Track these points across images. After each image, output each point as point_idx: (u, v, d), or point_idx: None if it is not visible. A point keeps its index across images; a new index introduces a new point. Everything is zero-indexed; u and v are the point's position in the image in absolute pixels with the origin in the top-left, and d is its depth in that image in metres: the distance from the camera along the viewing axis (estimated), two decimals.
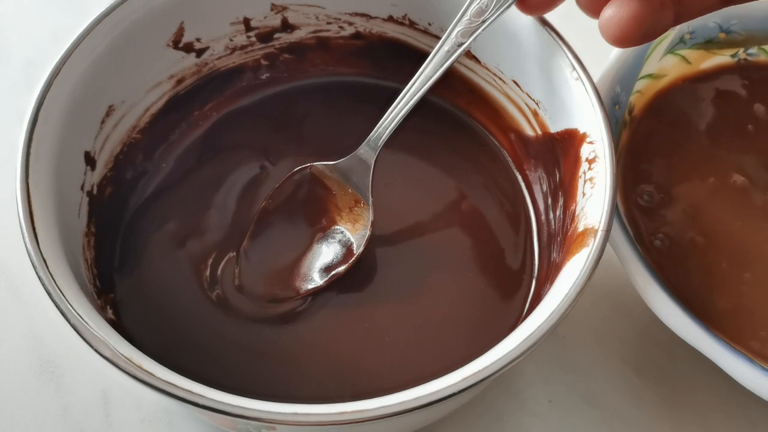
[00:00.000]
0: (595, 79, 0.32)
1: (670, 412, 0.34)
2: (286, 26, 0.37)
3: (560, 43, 0.31)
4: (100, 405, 0.33)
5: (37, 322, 0.35)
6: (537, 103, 0.34)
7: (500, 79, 0.35)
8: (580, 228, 0.28)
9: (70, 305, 0.24)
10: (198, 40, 0.35)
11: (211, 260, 0.33)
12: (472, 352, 0.25)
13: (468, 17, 0.31)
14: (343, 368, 0.31)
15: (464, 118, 0.38)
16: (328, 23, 0.37)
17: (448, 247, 0.34)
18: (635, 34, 0.26)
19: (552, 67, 0.31)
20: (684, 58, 0.38)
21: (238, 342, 0.31)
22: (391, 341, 0.31)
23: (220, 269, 0.33)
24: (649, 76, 0.37)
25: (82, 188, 0.31)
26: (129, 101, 0.34)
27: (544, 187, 0.34)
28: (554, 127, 0.33)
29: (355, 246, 0.33)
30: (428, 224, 0.35)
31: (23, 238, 0.26)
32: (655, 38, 0.28)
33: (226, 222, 0.34)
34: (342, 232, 0.34)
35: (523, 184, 0.36)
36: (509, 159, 0.37)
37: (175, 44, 0.35)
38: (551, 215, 0.33)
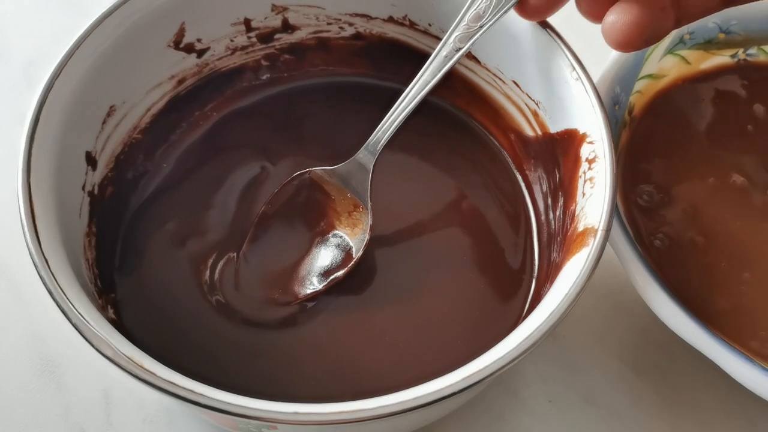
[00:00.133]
0: (595, 80, 0.32)
1: (670, 411, 0.34)
2: (287, 27, 0.37)
3: (560, 43, 0.31)
4: (101, 404, 0.33)
5: (38, 322, 0.35)
6: (537, 104, 0.34)
7: (500, 79, 0.35)
8: (580, 228, 0.28)
9: (72, 305, 0.24)
10: (199, 40, 0.36)
11: (211, 260, 0.33)
12: (473, 351, 0.25)
13: (466, 22, 0.31)
14: (343, 368, 0.31)
15: (464, 119, 0.38)
16: (329, 24, 0.37)
17: (448, 247, 0.34)
18: (638, 39, 0.27)
19: (552, 67, 0.31)
20: (684, 58, 0.38)
21: (239, 342, 0.31)
22: (391, 341, 0.31)
23: (220, 270, 0.33)
24: (649, 76, 0.37)
25: (83, 188, 0.31)
26: (130, 101, 0.34)
27: (544, 187, 0.34)
28: (554, 128, 0.33)
29: (354, 250, 0.33)
30: (428, 224, 0.35)
31: (25, 237, 0.26)
32: (657, 42, 0.28)
33: (227, 222, 0.34)
34: (341, 237, 0.34)
35: (523, 184, 0.36)
36: (509, 159, 0.37)
37: (176, 45, 0.35)
38: (551, 215, 0.33)
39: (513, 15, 0.31)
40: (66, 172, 0.29)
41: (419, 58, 0.36)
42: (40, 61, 0.45)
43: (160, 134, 0.36)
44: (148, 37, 0.33)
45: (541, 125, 0.34)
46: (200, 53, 0.36)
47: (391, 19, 0.37)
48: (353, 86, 0.39)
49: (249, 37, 0.37)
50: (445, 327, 0.32)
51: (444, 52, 0.31)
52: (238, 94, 0.38)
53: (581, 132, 0.30)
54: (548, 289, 0.28)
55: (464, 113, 0.38)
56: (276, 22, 0.37)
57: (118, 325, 0.31)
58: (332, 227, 0.34)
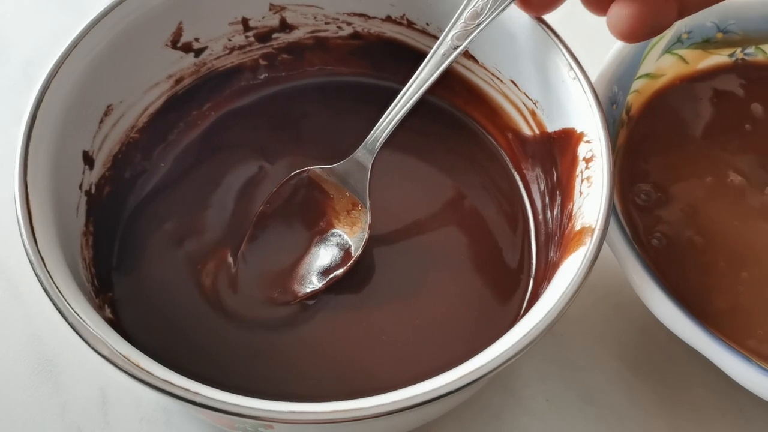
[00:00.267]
0: (593, 79, 0.32)
1: (667, 409, 0.34)
2: (285, 26, 0.37)
3: (558, 42, 0.31)
4: (99, 403, 0.33)
5: (36, 321, 0.35)
6: (535, 103, 0.34)
7: (498, 78, 0.35)
8: (577, 227, 0.28)
9: (68, 304, 0.24)
10: (196, 39, 0.36)
11: (209, 260, 0.33)
12: (470, 350, 0.25)
13: (463, 20, 0.31)
14: (340, 367, 0.31)
15: (462, 118, 0.38)
16: (327, 23, 0.37)
17: (445, 246, 0.34)
18: (642, 30, 0.27)
19: (549, 66, 0.31)
20: (681, 57, 0.38)
21: (236, 341, 0.31)
22: (389, 340, 0.31)
23: (218, 269, 0.33)
24: (647, 75, 0.37)
25: (80, 187, 0.31)
26: (127, 101, 0.34)
27: (542, 186, 0.34)
28: (552, 127, 0.33)
29: (353, 249, 0.33)
30: (426, 224, 0.35)
31: (21, 236, 0.26)
32: (662, 32, 0.28)
33: (224, 222, 0.34)
34: (340, 235, 0.34)
35: (520, 184, 0.36)
36: (507, 158, 0.37)
37: (174, 44, 0.35)
38: (549, 214, 0.33)
39: (511, 14, 0.31)
40: (63, 172, 0.30)
41: (417, 57, 0.36)
42: (40, 61, 0.45)
43: (157, 134, 0.36)
44: (146, 36, 0.33)
45: (539, 124, 0.34)
46: (198, 53, 0.36)
47: (389, 19, 0.37)
48: (351, 86, 0.39)
49: (247, 37, 0.37)
50: (443, 326, 0.32)
51: (441, 50, 0.31)
52: (236, 94, 0.38)
53: (578, 131, 0.30)
54: (545, 288, 0.28)
55: (462, 112, 0.38)
56: (274, 21, 0.37)
57: (116, 324, 0.31)
58: (331, 226, 0.34)
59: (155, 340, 0.31)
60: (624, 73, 0.36)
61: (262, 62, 0.38)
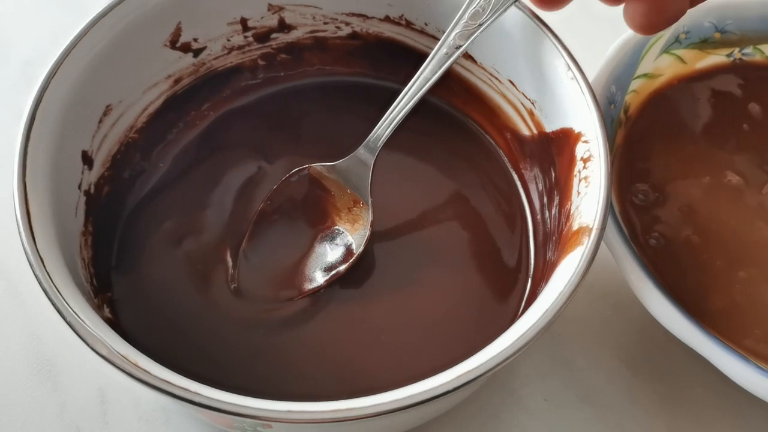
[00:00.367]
0: (591, 79, 0.32)
1: (666, 408, 0.34)
2: (283, 26, 0.37)
3: (556, 42, 0.31)
4: (97, 403, 0.33)
5: (35, 321, 0.36)
6: (533, 103, 0.34)
7: (496, 78, 0.36)
8: (575, 227, 0.29)
9: (67, 303, 0.24)
10: (195, 40, 0.36)
11: (208, 259, 0.33)
12: (468, 350, 0.25)
13: (465, 20, 0.31)
14: (339, 367, 0.31)
15: (460, 118, 0.38)
16: (325, 23, 0.37)
17: (444, 246, 0.34)
18: (658, 20, 0.28)
19: (547, 66, 0.31)
20: (679, 57, 0.38)
21: (235, 341, 0.31)
22: (387, 340, 0.31)
23: (217, 269, 0.33)
24: (645, 75, 0.37)
25: (79, 187, 0.31)
26: (126, 101, 0.34)
27: (540, 186, 0.34)
28: (550, 127, 0.33)
29: (354, 246, 0.33)
30: (424, 224, 0.35)
31: (20, 236, 0.26)
32: (675, 22, 0.29)
33: (223, 221, 0.34)
34: (341, 233, 0.34)
35: (519, 183, 0.36)
36: (505, 158, 0.37)
37: (173, 44, 0.35)
38: (547, 214, 0.34)
39: (510, 14, 0.31)
40: (62, 171, 0.30)
41: (416, 57, 0.36)
42: (39, 61, 0.45)
43: (156, 133, 0.36)
44: (145, 36, 0.33)
45: (537, 124, 0.34)
46: (197, 53, 0.36)
47: (387, 19, 0.37)
48: (350, 86, 0.39)
49: (245, 37, 0.37)
50: (442, 325, 0.32)
51: (444, 50, 0.31)
52: (235, 94, 0.38)
53: (576, 131, 0.30)
54: (543, 288, 0.28)
55: (461, 112, 0.38)
56: (272, 21, 0.37)
57: (115, 324, 0.31)
58: (332, 223, 0.34)
59: (154, 340, 0.31)
60: (622, 73, 0.36)
61: (260, 62, 0.38)
